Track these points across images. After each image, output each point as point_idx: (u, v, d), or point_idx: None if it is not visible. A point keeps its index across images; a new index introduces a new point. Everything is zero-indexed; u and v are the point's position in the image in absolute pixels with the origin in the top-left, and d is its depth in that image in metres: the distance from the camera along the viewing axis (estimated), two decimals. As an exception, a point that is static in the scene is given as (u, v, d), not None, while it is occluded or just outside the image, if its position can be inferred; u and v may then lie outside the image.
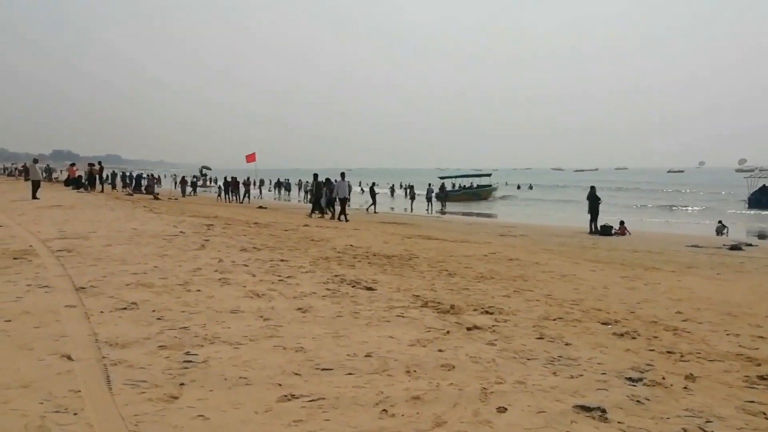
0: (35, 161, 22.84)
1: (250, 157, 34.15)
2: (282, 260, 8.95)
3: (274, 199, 44.92)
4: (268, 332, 4.99)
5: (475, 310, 6.39)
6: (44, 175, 29.46)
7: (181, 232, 12.22)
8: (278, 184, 50.11)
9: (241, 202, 33.61)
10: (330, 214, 21.95)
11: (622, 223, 21.68)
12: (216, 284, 6.95)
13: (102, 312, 5.52)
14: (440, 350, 4.80)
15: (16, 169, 66.53)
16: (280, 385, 3.86)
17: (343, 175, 21.26)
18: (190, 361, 4.19)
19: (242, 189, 35.36)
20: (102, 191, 31.10)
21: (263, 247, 10.42)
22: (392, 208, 29.57)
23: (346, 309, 5.90)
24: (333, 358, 4.40)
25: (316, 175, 23.51)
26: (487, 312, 6.32)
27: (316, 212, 22.33)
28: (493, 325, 5.76)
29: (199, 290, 6.57)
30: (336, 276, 7.76)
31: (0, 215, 15.12)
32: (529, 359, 4.78)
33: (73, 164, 36.82)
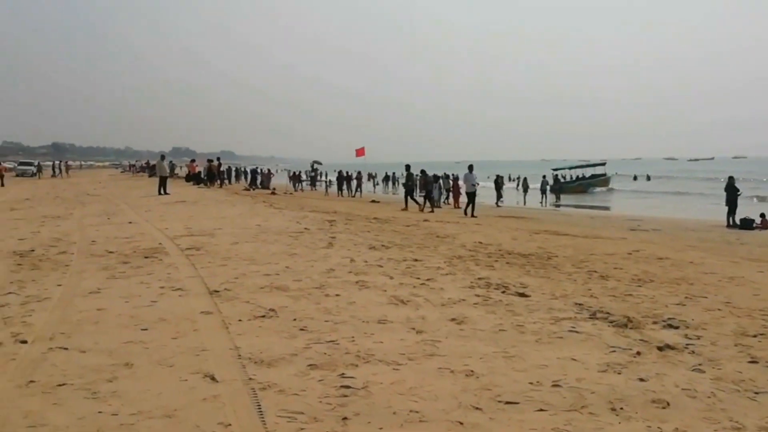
0: (162, 158, 23.94)
1: (360, 152, 34.16)
2: (416, 260, 8.26)
3: (384, 192, 44.84)
4: (426, 349, 4.28)
5: (655, 323, 5.34)
6: (169, 171, 30.95)
7: (305, 228, 11.92)
8: (386, 178, 50.04)
9: (353, 196, 33.64)
10: (426, 207, 21.03)
11: (762, 215, 19.25)
12: (354, 288, 6.38)
13: (240, 320, 5.08)
14: (641, 379, 3.86)
15: (141, 166, 71.37)
16: (461, 423, 3.13)
17: (470, 167, 20.20)
18: (347, 386, 3.55)
19: (354, 183, 35.42)
20: (221, 186, 32.25)
21: (391, 245, 9.81)
22: (498, 201, 28.18)
23: (507, 321, 5.08)
24: (513, 387, 3.60)
25: (408, 166, 22.75)
26: (670, 326, 5.26)
27: (416, 204, 21.51)
28: (687, 344, 4.71)
29: (338, 295, 6.01)
30: (479, 279, 6.95)
31: (129, 211, 15.71)
32: (756, 393, 3.74)
33: (193, 160, 38.58)
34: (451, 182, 28.26)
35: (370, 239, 10.64)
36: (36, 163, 59.57)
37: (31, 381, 3.63)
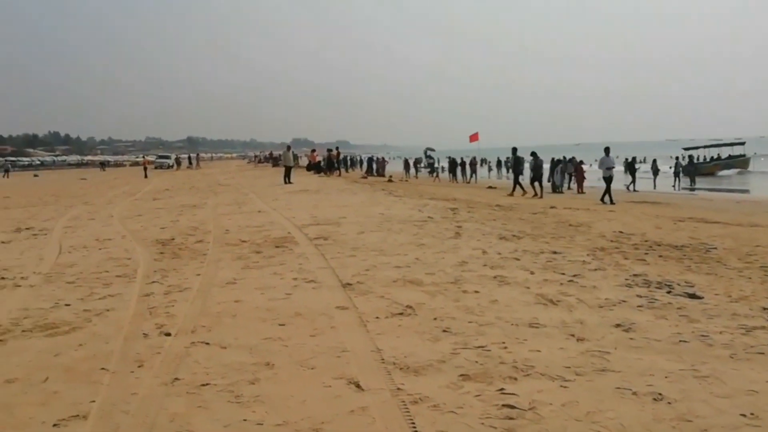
0: (288, 148, 24.70)
1: (474, 137, 33.37)
2: (554, 252, 7.58)
3: (497, 178, 43.52)
4: (594, 362, 3.69)
5: None
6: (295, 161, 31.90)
7: (429, 217, 11.54)
8: (499, 163, 48.67)
9: (468, 182, 32.91)
10: (535, 193, 19.72)
11: None
12: (492, 283, 5.87)
13: (377, 318, 4.77)
14: None
15: (264, 156, 74.88)
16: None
17: (607, 150, 18.76)
18: (511, 406, 3.08)
19: (468, 169, 34.67)
20: (339, 175, 32.84)
21: (523, 235, 9.16)
22: (630, 186, 25.95)
23: (685, 329, 4.33)
24: (722, 420, 2.93)
25: (514, 149, 21.45)
26: None
27: (523, 190, 20.29)
28: None
29: (476, 291, 5.54)
30: (635, 276, 6.15)
31: (257, 201, 16.20)
32: None
33: (313, 150, 39.67)
34: (573, 166, 26.62)
35: (498, 228, 10.04)
36: (173, 156, 64.52)
37: (176, 378, 3.53)
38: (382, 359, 3.78)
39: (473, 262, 6.97)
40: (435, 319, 4.69)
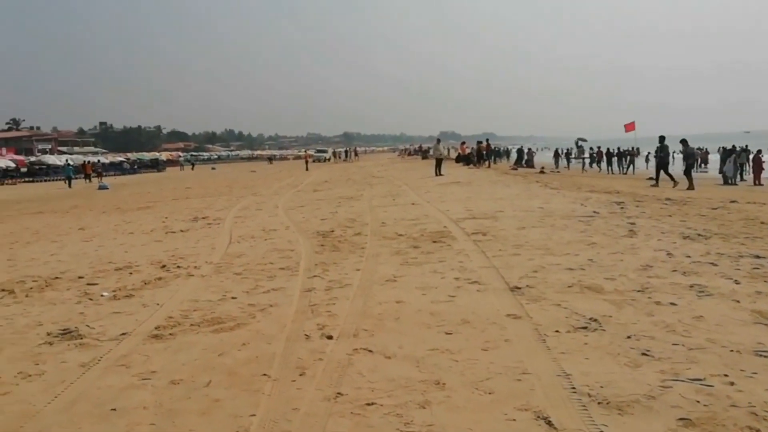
0: (438, 141, 24.47)
1: (629, 126, 30.78)
2: (757, 256, 6.32)
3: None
4: None
5: None
6: (446, 153, 31.65)
7: (594, 212, 10.48)
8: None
9: (625, 173, 30.27)
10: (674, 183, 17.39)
11: None
12: (690, 294, 4.94)
13: (557, 331, 4.14)
14: None
15: (414, 149, 75.87)
16: None
17: None
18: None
19: (626, 159, 32.01)
20: (489, 167, 31.90)
21: (709, 234, 7.86)
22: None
23: None
24: None
25: (662, 138, 18.85)
26: None
27: (666, 180, 17.90)
28: None
29: (673, 304, 4.67)
30: None
31: (410, 193, 16.02)
32: None
33: (463, 143, 39.07)
34: (749, 156, 23.45)
35: (678, 226, 8.75)
36: (330, 150, 67.86)
37: (339, 393, 3.23)
38: (573, 388, 3.18)
39: (659, 267, 6.01)
40: (629, 337, 3.96)
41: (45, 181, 41.79)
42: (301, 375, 3.55)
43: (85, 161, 45.03)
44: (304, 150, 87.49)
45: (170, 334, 4.46)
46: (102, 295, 5.76)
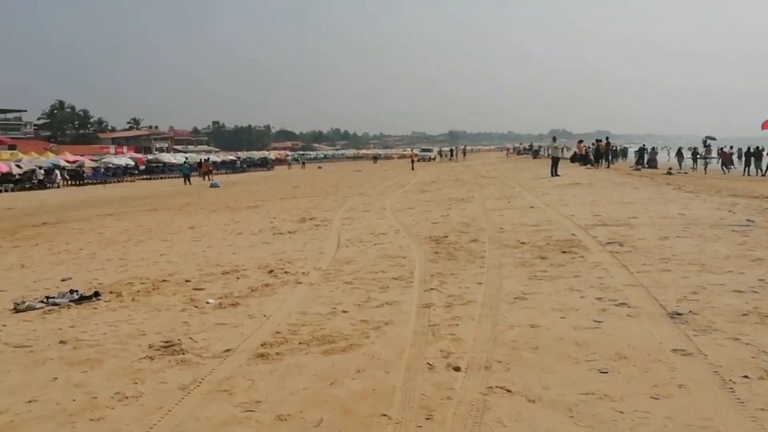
0: (554, 139, 23.01)
1: (767, 124, 27.41)
2: None
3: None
4: None
5: None
6: (563, 153, 29.72)
7: (748, 220, 9.04)
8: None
9: (765, 175, 26.97)
10: None
11: None
12: None
13: (746, 378, 3.24)
14: None
15: (523, 148, 73.55)
16: None
17: None
18: None
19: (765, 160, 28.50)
20: (608, 167, 29.79)
21: None
22: None
23: None
24: None
25: None
26: None
27: None
28: None
29: None
30: None
31: (526, 195, 15.00)
32: None
33: (580, 141, 36.86)
34: None
35: None
36: (436, 149, 67.34)
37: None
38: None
39: None
40: None
41: (161, 178, 44.43)
42: (427, 419, 2.93)
43: (200, 159, 47.60)
44: (410, 149, 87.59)
45: (277, 353, 4.00)
46: (207, 303, 5.48)
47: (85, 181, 36.88)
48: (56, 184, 34.30)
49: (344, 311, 4.97)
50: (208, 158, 51.82)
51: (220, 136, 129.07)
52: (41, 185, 33.37)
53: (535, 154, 52.58)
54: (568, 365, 3.58)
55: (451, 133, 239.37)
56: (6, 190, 31.15)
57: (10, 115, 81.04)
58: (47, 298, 5.87)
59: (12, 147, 49.93)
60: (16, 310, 5.57)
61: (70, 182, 36.79)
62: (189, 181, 34.96)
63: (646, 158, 35.27)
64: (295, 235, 9.77)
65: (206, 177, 40.43)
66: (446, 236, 8.62)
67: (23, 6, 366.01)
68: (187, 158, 46.92)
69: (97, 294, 5.98)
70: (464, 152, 66.21)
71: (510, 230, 8.89)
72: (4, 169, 31.70)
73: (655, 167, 31.85)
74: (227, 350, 4.13)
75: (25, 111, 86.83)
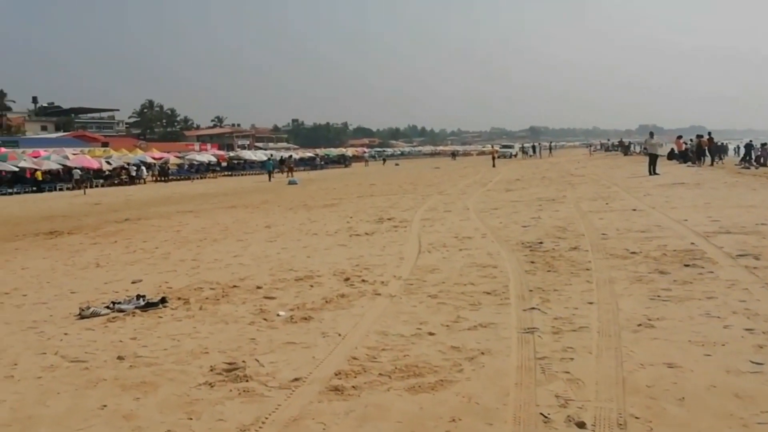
0: (651, 135, 21.14)
1: None
2: None
3: None
4: None
5: None
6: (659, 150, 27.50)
7: None
8: None
9: None
10: None
11: None
12: None
13: None
14: None
15: (612, 144, 70.03)
16: None
17: None
18: None
19: None
20: (712, 165, 27.37)
21: None
22: None
23: None
24: None
25: None
26: None
27: None
28: None
29: None
30: None
31: (625, 195, 13.69)
32: None
33: (679, 137, 34.24)
34: None
35: None
36: (517, 146, 65.34)
37: None
38: None
39: None
40: None
41: (241, 174, 45.41)
42: (552, 508, 2.17)
43: (281, 156, 48.45)
44: (490, 145, 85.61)
45: (353, 387, 3.35)
46: (278, 315, 4.92)
47: (170, 178, 38.22)
48: (143, 180, 35.72)
49: (430, 333, 4.26)
50: (291, 156, 52.77)
51: (299, 133, 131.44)
52: (130, 181, 34.92)
53: (626, 150, 49.61)
54: (734, 429, 2.69)
55: (532, 129, 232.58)
56: (97, 186, 32.70)
57: (104, 114, 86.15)
58: (113, 303, 5.54)
59: (105, 144, 52.57)
60: (81, 317, 5.25)
61: (156, 178, 38.27)
62: (271, 177, 35.46)
63: (753, 155, 32.24)
64: (372, 237, 9.16)
65: (289, 173, 41.18)
66: (541, 242, 7.70)
67: (125, 17, 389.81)
68: (272, 155, 47.66)
69: (164, 300, 5.59)
70: (550, 149, 63.78)
71: (615, 237, 7.85)
72: (95, 165, 33.30)
73: (765, 165, 28.99)
74: (296, 379, 3.52)
75: (118, 110, 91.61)
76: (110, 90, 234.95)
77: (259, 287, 6.01)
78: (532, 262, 6.50)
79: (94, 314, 5.24)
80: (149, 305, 5.44)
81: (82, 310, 5.38)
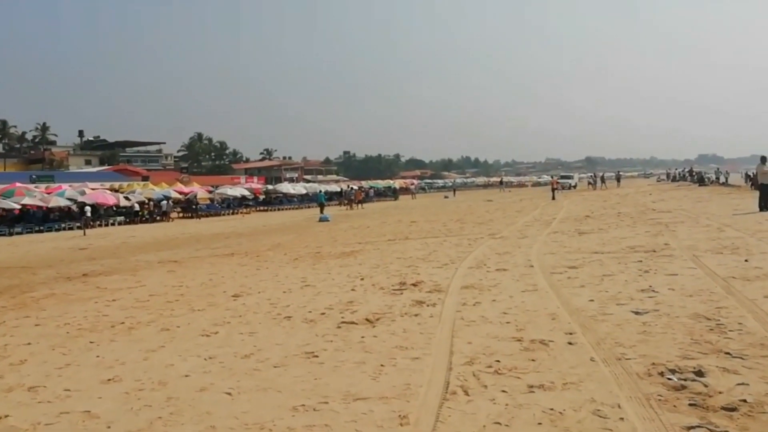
0: (763, 160, 16.57)
1: None
2: None
3: None
4: None
5: None
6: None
7: None
8: None
9: None
10: None
11: None
12: None
13: None
14: None
15: (680, 174, 64.40)
16: None
17: None
18: None
19: None
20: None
21: None
22: None
23: None
24: None
25: None
26: None
27: None
28: None
29: None
30: None
31: (753, 241, 9.48)
32: None
33: (770, 163, 29.22)
34: None
35: None
36: (576, 176, 60.79)
37: None
38: None
39: None
40: None
41: (278, 209, 42.61)
42: None
43: (349, 187, 47.15)
44: (550, 176, 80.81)
45: None
46: None
47: (201, 213, 35.49)
48: (167, 216, 33.03)
49: None
50: (361, 186, 53.01)
51: (350, 165, 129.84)
52: (151, 218, 32.42)
53: (702, 181, 44.18)
54: None
55: (588, 159, 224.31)
56: (113, 224, 30.16)
57: (151, 148, 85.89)
58: None
59: (145, 178, 50.78)
60: None
61: (182, 215, 35.76)
62: (323, 210, 31.94)
63: None
64: (375, 330, 5.48)
65: (358, 205, 40.25)
66: (699, 371, 3.80)
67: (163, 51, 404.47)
68: (321, 189, 44.78)
69: None
70: (618, 179, 58.51)
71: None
72: (112, 201, 30.55)
73: None
74: None
75: (164, 143, 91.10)
76: (159, 124, 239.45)
77: None
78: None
79: None
80: None
81: None
